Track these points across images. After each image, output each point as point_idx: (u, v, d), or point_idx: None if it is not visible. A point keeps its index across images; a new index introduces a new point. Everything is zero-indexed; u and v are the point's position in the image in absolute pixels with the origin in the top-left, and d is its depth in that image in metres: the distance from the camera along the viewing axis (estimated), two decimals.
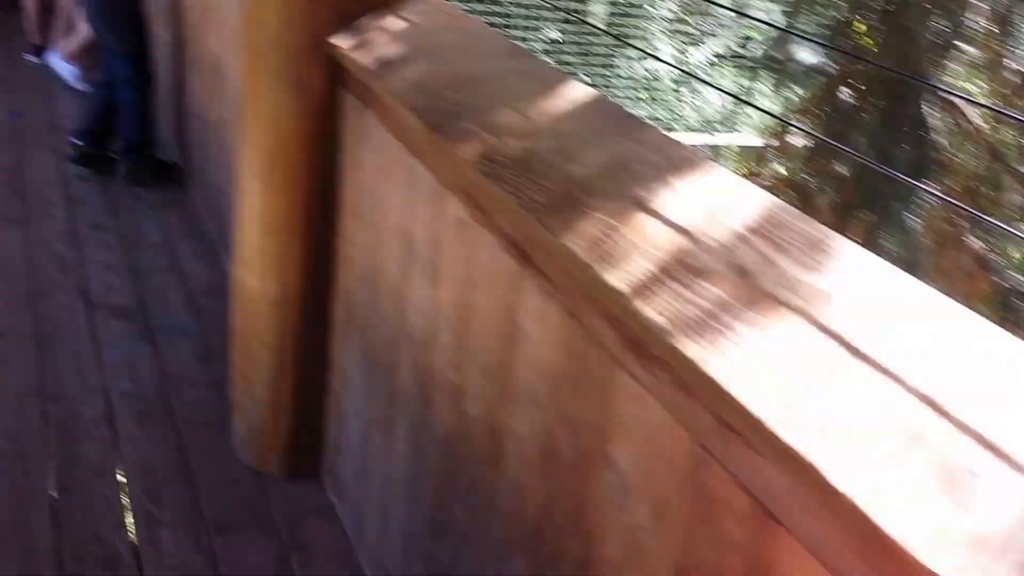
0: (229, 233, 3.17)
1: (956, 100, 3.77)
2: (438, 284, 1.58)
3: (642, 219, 1.10)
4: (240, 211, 2.15)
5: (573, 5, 7.51)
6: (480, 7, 6.98)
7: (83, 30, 4.49)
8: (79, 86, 4.58)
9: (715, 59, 7.58)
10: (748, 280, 0.95)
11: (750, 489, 0.89)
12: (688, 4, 7.59)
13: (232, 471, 2.26)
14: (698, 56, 7.58)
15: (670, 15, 7.61)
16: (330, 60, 1.92)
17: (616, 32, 7.43)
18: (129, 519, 2.08)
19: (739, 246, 1.00)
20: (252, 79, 2.00)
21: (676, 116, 7.77)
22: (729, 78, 7.48)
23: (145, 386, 2.53)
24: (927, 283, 0.98)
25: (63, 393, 2.45)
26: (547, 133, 1.33)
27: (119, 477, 2.20)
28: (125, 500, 2.13)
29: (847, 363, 0.85)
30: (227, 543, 2.06)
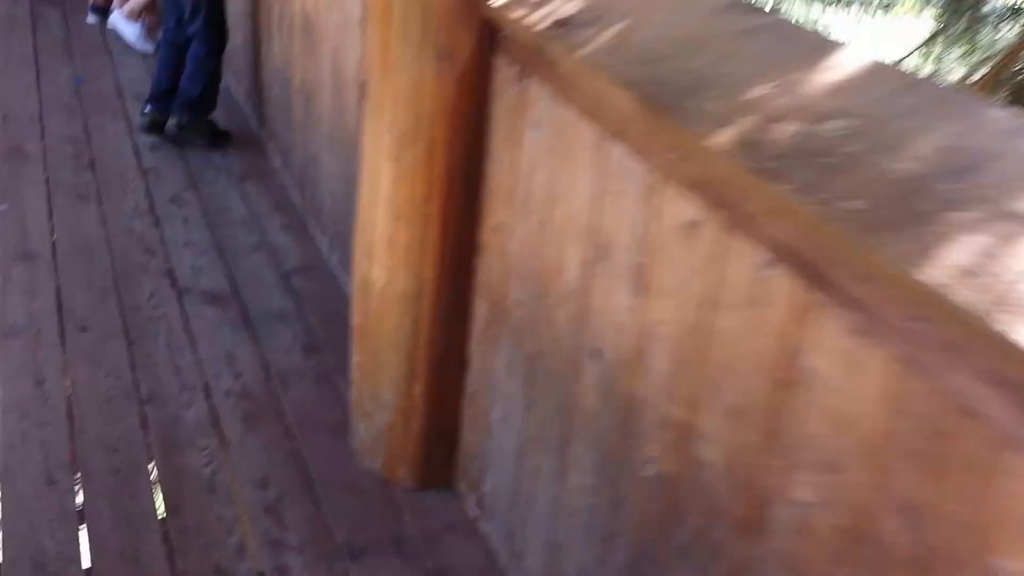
0: (319, 205, 2.91)
1: None
2: (649, 297, 1.30)
3: None
4: (365, 195, 1.88)
5: None
6: None
7: None
8: (142, 46, 4.31)
9: None
10: None
11: None
12: None
13: (357, 481, 2.03)
14: None
15: None
16: (481, 20, 1.62)
17: None
18: (251, 542, 1.86)
19: None
20: (384, 45, 1.71)
21: None
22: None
23: (248, 382, 2.29)
24: None
25: (161, 393, 2.22)
26: (833, 114, 1.03)
27: (233, 491, 1.97)
28: (243, 519, 1.91)
29: None
30: (362, 567, 1.84)
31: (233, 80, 3.86)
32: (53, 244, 2.77)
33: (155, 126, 3.43)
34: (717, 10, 1.36)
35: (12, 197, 3.02)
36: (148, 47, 4.31)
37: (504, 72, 1.64)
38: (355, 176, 2.50)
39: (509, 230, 1.70)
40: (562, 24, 1.44)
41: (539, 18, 1.48)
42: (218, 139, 3.47)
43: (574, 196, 1.47)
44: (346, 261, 2.68)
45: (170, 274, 2.68)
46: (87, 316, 2.45)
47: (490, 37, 1.65)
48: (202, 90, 3.38)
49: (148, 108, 3.44)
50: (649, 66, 1.26)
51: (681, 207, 1.21)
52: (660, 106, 1.19)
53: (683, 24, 1.35)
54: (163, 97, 3.42)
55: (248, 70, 3.62)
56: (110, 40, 4.41)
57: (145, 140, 3.45)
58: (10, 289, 2.53)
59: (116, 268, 2.68)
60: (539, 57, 1.51)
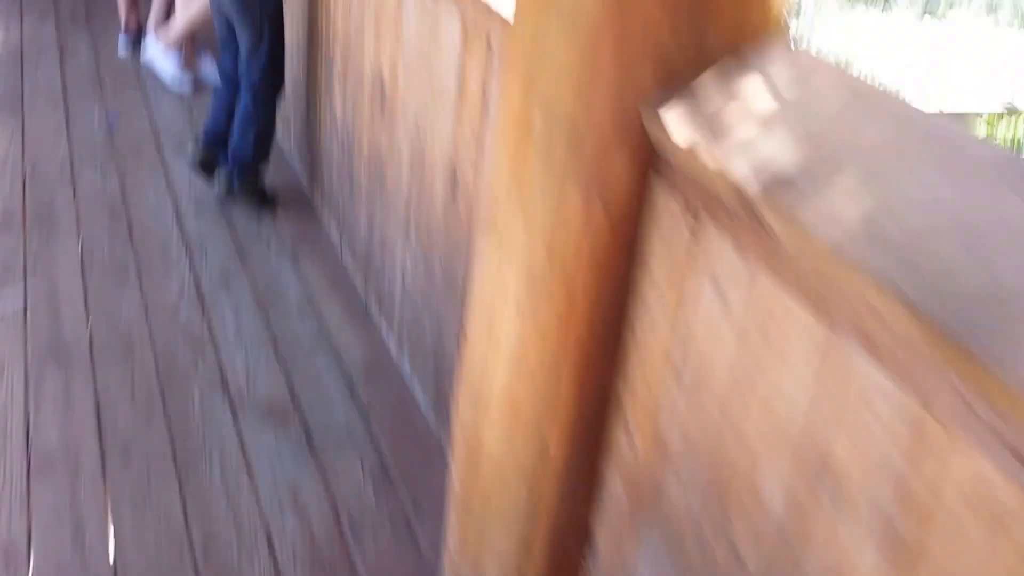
0: (387, 294, 2.57)
1: None
2: (914, 571, 0.96)
3: None
4: (477, 340, 1.54)
5: None
6: None
7: (189, 13, 3.88)
8: (178, 86, 3.99)
9: None
10: None
11: None
12: None
13: None
14: None
15: None
16: (646, 147, 1.28)
17: None
18: None
19: None
20: (517, 165, 1.37)
21: None
22: None
23: (316, 530, 1.96)
24: None
25: (217, 546, 1.89)
26: None
27: None
28: None
29: None
30: None
31: (282, 127, 3.54)
32: (89, 338, 2.45)
33: (205, 165, 3.14)
34: (1007, 173, 1.01)
35: (43, 274, 2.71)
36: (186, 83, 4.00)
37: (670, 211, 1.30)
38: (438, 272, 2.18)
39: (666, 406, 1.36)
40: (777, 176, 1.10)
41: (740, 161, 1.14)
42: (266, 201, 3.15)
43: (780, 396, 1.13)
44: (419, 365, 2.35)
45: (222, 380, 2.35)
46: (131, 438, 2.13)
47: (655, 166, 1.31)
48: (254, 146, 3.06)
49: (199, 145, 3.14)
50: (918, 259, 0.91)
51: (982, 474, 0.86)
52: (951, 331, 0.84)
53: (961, 195, 1.00)
54: (218, 138, 3.12)
55: (301, 121, 3.30)
56: (143, 72, 4.10)
57: (187, 200, 3.13)
58: (43, 401, 2.22)
59: (161, 372, 2.36)
60: (734, 210, 1.17)
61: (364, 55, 2.54)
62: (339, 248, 2.94)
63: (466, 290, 2.00)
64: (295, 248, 2.96)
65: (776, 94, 1.23)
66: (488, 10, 1.73)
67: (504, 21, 1.68)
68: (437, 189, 2.12)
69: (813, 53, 1.31)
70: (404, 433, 2.25)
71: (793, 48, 1.29)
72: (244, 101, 3.02)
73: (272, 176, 3.23)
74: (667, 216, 1.31)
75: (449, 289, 2.10)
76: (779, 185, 1.09)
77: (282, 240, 3.00)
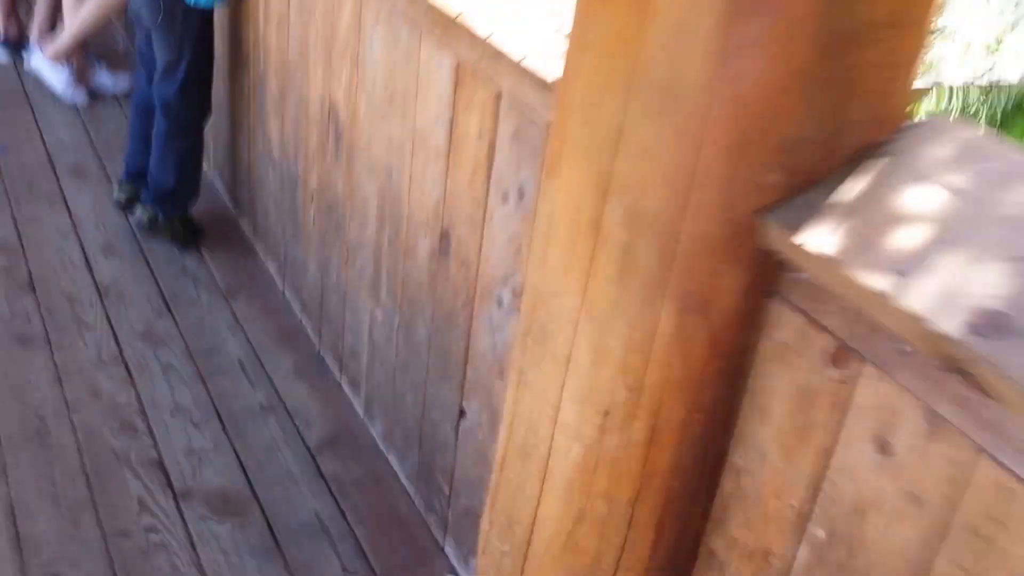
0: (352, 351, 2.25)
1: None
2: None
3: None
4: (518, 463, 1.27)
5: None
6: None
7: (79, 21, 3.41)
8: (71, 96, 3.52)
9: None
10: None
11: None
12: None
13: None
14: None
15: None
16: (759, 251, 1.03)
17: None
18: None
19: None
20: (573, 263, 1.11)
21: None
22: None
23: None
24: None
25: None
26: None
27: None
28: None
29: None
30: None
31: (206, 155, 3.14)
32: None
33: (132, 203, 2.79)
34: None
35: None
36: (79, 97, 3.53)
37: (801, 338, 1.03)
38: (422, 338, 1.86)
39: (789, 566, 1.12)
40: (975, 304, 0.85)
41: (913, 281, 0.89)
42: (192, 236, 2.78)
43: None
44: (398, 438, 2.06)
45: (160, 465, 2.00)
46: (57, 554, 1.76)
47: (778, 284, 1.06)
48: (177, 178, 2.67)
49: (124, 182, 2.81)
50: None
51: None
52: None
53: None
54: (141, 176, 2.74)
55: (224, 144, 2.92)
56: (29, 87, 3.59)
57: (96, 239, 2.72)
58: None
59: (86, 462, 1.98)
60: (908, 346, 0.93)
61: (309, 81, 2.21)
62: (281, 290, 2.60)
63: (466, 369, 1.73)
64: (229, 290, 2.60)
65: (943, 188, 1.00)
66: (494, 53, 1.45)
67: (518, 67, 1.40)
68: (421, 248, 1.83)
69: (971, 128, 1.08)
70: (382, 518, 1.96)
71: (944, 122, 1.07)
72: (160, 124, 2.63)
73: (196, 204, 2.84)
74: (795, 345, 1.05)
75: (440, 362, 1.82)
76: (979, 316, 0.85)
77: (213, 282, 2.63)
